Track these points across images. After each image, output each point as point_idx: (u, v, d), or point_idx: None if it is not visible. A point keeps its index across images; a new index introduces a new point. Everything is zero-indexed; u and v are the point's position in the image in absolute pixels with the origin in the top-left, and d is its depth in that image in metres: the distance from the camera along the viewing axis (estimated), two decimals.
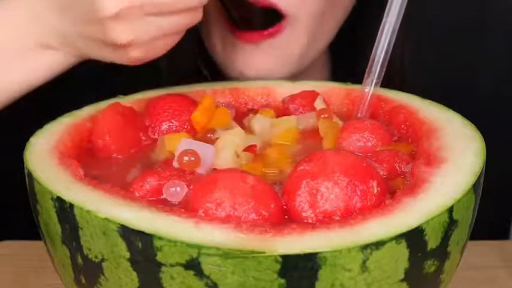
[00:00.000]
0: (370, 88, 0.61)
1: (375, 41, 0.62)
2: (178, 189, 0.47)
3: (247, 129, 0.60)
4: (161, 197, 0.48)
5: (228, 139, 0.53)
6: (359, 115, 0.61)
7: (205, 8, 0.61)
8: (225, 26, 0.77)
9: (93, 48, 0.61)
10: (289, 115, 0.63)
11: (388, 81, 0.63)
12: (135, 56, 0.59)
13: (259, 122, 0.60)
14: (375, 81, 0.61)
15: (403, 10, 0.60)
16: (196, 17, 0.60)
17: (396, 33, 0.60)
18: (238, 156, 0.53)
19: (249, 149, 0.54)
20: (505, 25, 1.14)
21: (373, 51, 0.61)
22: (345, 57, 0.89)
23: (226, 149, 0.53)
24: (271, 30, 0.74)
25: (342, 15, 0.80)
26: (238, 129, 0.57)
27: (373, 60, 0.61)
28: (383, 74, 0.61)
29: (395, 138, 0.57)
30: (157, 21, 0.57)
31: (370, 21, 0.83)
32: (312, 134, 0.59)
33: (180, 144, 0.52)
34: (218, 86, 0.68)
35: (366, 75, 0.61)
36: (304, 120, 0.61)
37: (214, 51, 0.81)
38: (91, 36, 0.59)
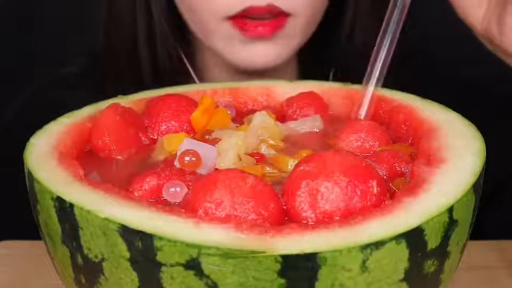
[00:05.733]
0: (371, 88, 0.61)
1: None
2: (178, 189, 0.47)
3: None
4: (162, 198, 0.48)
5: (232, 141, 0.53)
6: (361, 115, 0.61)
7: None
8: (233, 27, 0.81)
9: None
10: (287, 118, 0.63)
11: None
12: None
13: (260, 117, 0.59)
14: (376, 80, 0.61)
15: (407, 7, 0.60)
16: None
17: (399, 32, 0.60)
18: (240, 159, 0.53)
19: (255, 155, 0.54)
20: None
21: (375, 49, 0.61)
22: (310, 49, 0.93)
23: (229, 151, 0.52)
24: (277, 21, 0.80)
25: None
26: (241, 132, 0.57)
27: (375, 60, 0.61)
28: (384, 73, 0.61)
29: (395, 138, 0.57)
30: None
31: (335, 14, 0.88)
32: (315, 138, 0.60)
33: (183, 144, 0.52)
34: (218, 86, 0.68)
35: (366, 75, 0.61)
36: (308, 124, 0.61)
37: (216, 48, 0.86)
38: None
